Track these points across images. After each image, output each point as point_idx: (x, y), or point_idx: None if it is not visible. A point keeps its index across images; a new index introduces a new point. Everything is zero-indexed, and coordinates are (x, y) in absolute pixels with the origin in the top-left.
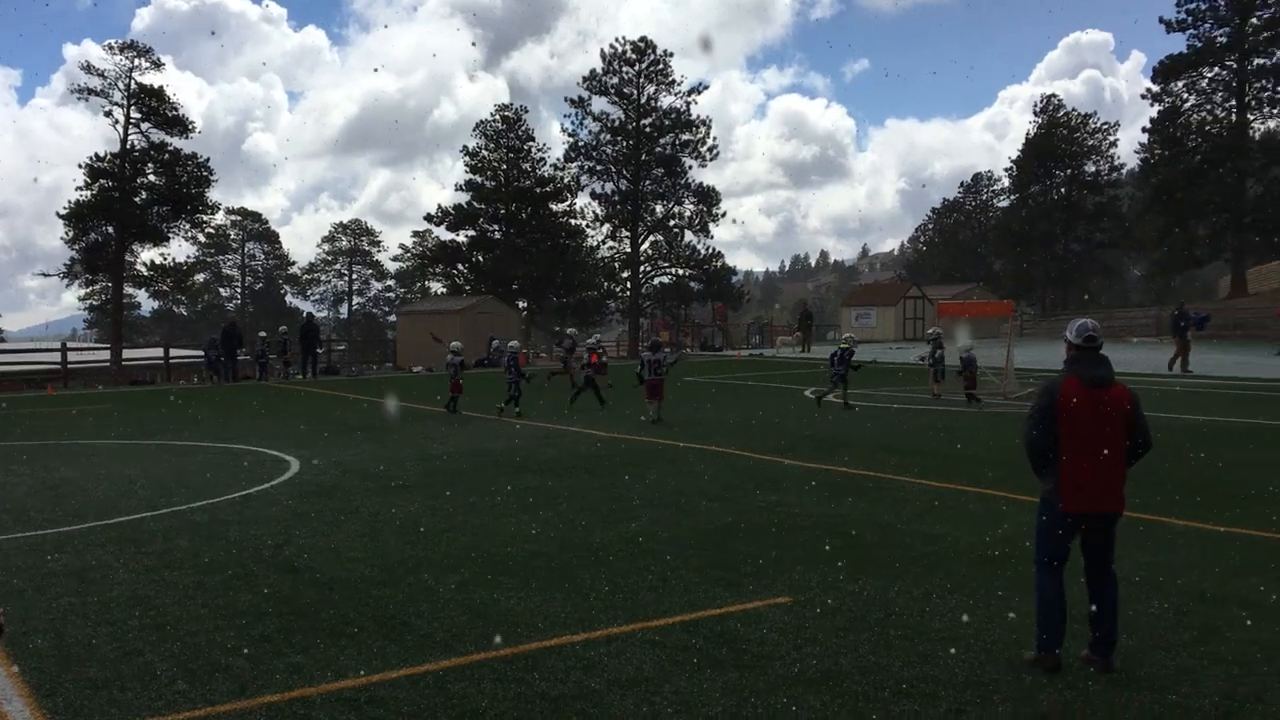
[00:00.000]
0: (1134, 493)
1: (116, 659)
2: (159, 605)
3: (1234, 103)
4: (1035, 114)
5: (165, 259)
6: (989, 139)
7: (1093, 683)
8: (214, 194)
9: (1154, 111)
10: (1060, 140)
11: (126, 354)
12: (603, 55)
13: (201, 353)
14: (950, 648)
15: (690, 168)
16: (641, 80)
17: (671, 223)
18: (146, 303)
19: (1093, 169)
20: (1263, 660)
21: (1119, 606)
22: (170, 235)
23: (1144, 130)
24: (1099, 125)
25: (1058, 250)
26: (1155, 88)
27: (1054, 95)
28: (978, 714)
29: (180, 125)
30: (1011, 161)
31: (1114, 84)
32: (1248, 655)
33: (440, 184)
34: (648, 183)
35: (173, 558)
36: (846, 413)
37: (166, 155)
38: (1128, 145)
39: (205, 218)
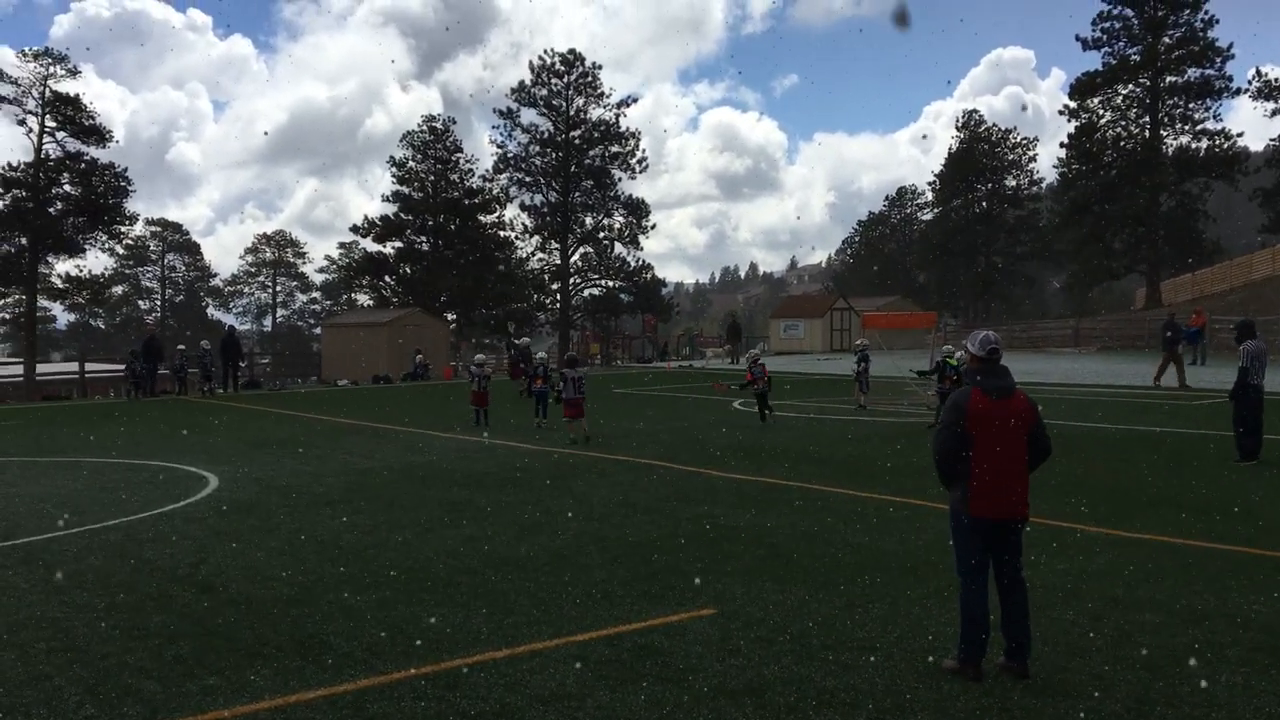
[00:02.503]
0: (1047, 500)
1: (21, 683)
2: (68, 627)
3: (1147, 119)
4: (957, 129)
5: (81, 271)
6: (915, 153)
7: (1010, 690)
8: (134, 204)
9: (1071, 127)
10: (981, 155)
11: (40, 368)
12: (531, 67)
13: (121, 366)
14: (872, 656)
15: (620, 180)
16: (570, 92)
17: (601, 235)
18: (62, 315)
19: (1013, 183)
20: (1174, 664)
21: (1030, 613)
22: (86, 246)
23: (1062, 145)
24: (1019, 140)
25: (979, 262)
26: (1072, 104)
27: (975, 110)
28: None
29: (97, 134)
30: (935, 176)
31: (1035, 100)
32: (1159, 660)
33: (369, 195)
34: (577, 194)
35: (84, 578)
36: (764, 424)
37: (83, 165)
38: (1048, 160)
39: (123, 229)
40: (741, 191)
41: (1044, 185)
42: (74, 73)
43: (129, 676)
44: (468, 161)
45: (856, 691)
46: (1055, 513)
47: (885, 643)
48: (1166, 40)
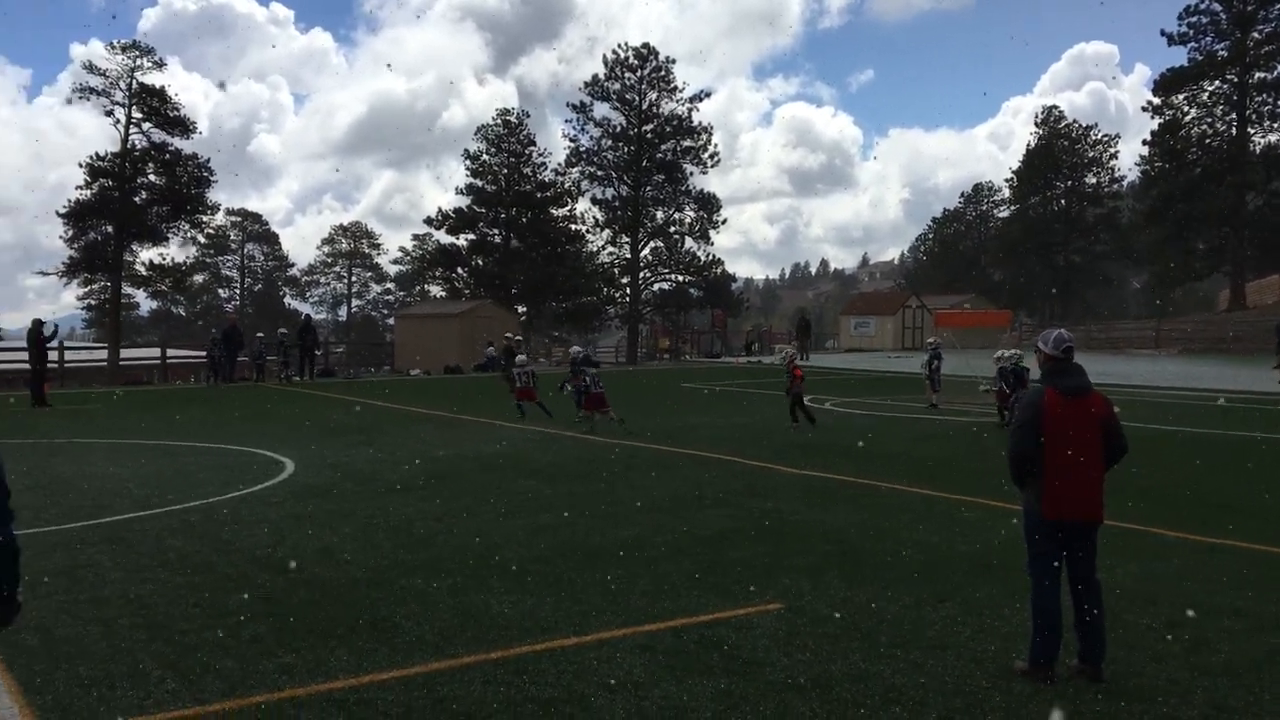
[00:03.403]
0: (1123, 502)
1: (106, 657)
2: (150, 604)
3: (1234, 116)
4: (1036, 125)
5: (164, 259)
6: (993, 149)
7: (1082, 694)
8: (216, 195)
9: (1155, 124)
10: (1060, 152)
11: (124, 354)
12: (605, 61)
13: (202, 353)
14: (940, 656)
15: (691, 174)
16: (643, 86)
17: (672, 229)
18: (145, 302)
19: (1093, 181)
20: (1252, 672)
21: (1105, 616)
22: (169, 235)
23: (1144, 143)
24: (1099, 137)
25: (1057, 261)
26: (1156, 100)
27: (1055, 106)
28: None
29: (181, 126)
30: (1012, 172)
31: (1118, 96)
32: (1238, 667)
33: (444, 187)
34: (648, 189)
35: (165, 557)
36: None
37: (167, 155)
38: (1130, 157)
39: (205, 218)
40: (814, 187)
41: (1125, 183)
42: (160, 65)
43: (209, 654)
44: (540, 155)
45: (925, 690)
46: (1131, 515)
47: (955, 642)
48: (1255, 35)
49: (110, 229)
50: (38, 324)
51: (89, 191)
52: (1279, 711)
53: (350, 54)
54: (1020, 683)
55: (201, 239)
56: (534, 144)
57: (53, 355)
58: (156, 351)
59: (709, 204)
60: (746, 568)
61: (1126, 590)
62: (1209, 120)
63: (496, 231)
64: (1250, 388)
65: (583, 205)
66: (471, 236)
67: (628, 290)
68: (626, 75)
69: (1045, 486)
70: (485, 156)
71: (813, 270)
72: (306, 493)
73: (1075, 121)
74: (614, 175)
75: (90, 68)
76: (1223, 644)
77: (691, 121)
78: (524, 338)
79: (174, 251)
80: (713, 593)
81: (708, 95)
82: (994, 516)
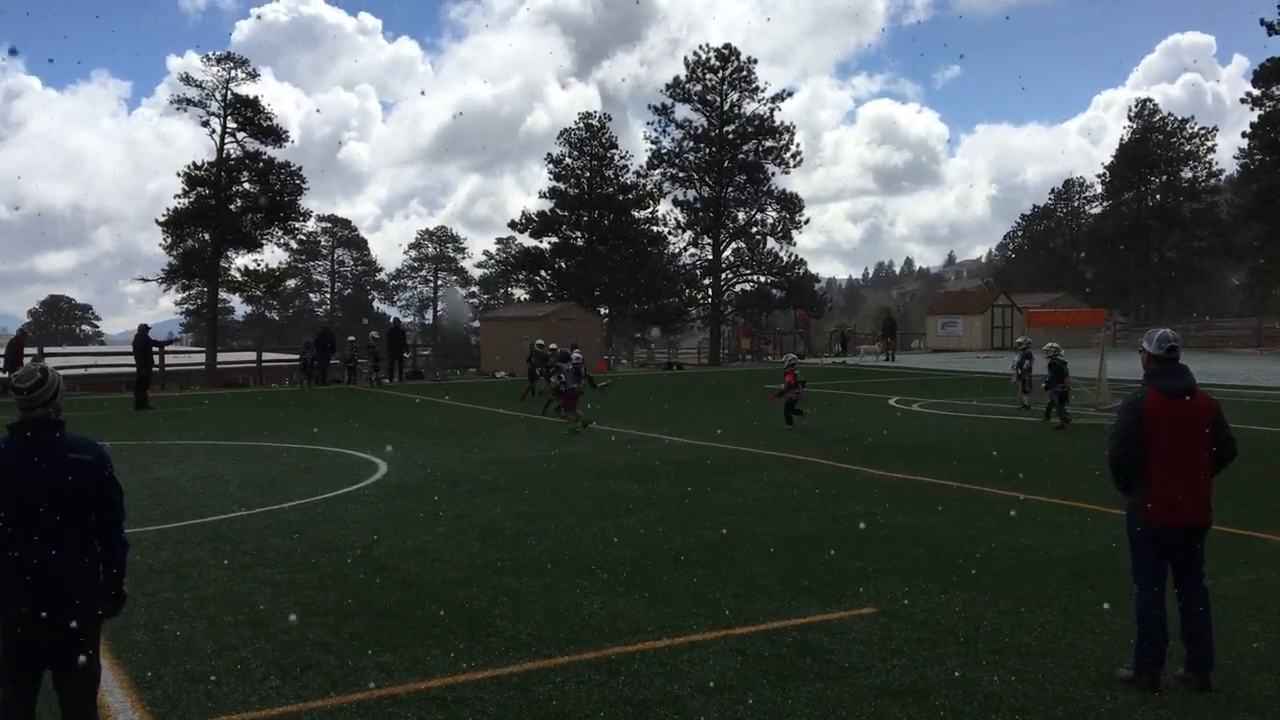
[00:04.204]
0: (1231, 506)
1: (212, 654)
2: (252, 602)
3: None
4: (1130, 119)
5: (258, 265)
6: (1084, 144)
7: (1189, 703)
8: (307, 201)
9: (1254, 116)
10: (1155, 146)
11: (220, 357)
12: (686, 63)
13: (296, 356)
14: (1041, 663)
15: (773, 174)
16: (725, 87)
17: (754, 230)
18: (239, 307)
19: (1190, 175)
20: None
21: (1214, 623)
22: (263, 242)
23: (1244, 135)
24: (1196, 130)
25: (1152, 258)
26: (1256, 92)
27: (1149, 100)
28: None
29: (274, 135)
30: (1105, 168)
31: (1215, 88)
32: None
33: (527, 191)
34: (730, 189)
35: (266, 556)
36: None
37: (261, 164)
38: (1228, 151)
39: (297, 225)
40: (899, 185)
41: (1224, 177)
42: (253, 75)
43: (310, 651)
44: (622, 158)
45: (1026, 698)
46: (1240, 520)
47: (1056, 649)
48: None
49: (207, 236)
50: (144, 330)
51: (186, 200)
52: None
53: (436, 61)
54: (1125, 691)
55: (294, 245)
56: (615, 147)
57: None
58: (252, 355)
59: (791, 204)
60: (837, 571)
61: (1234, 597)
62: None
63: (579, 234)
64: None
65: (664, 207)
66: (554, 239)
67: (709, 291)
68: (707, 76)
69: (1150, 490)
70: (568, 160)
71: (897, 269)
72: (399, 493)
73: (1170, 114)
74: (695, 176)
75: (187, 79)
76: None
77: (773, 121)
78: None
79: (267, 257)
80: (803, 596)
81: (790, 95)
82: (1092, 520)
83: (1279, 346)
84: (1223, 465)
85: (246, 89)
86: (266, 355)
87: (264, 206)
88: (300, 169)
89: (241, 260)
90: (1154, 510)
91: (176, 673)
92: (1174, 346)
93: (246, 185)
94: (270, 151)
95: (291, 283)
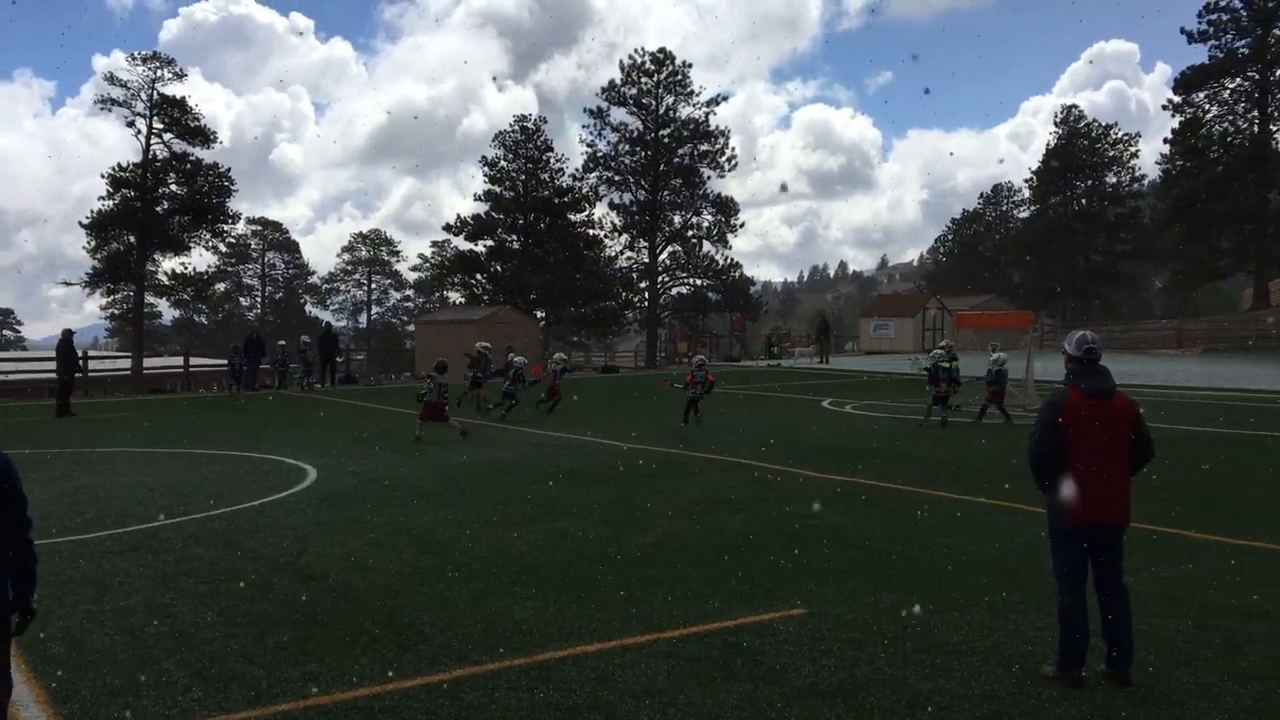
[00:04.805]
0: (1151, 504)
1: (133, 666)
2: (175, 613)
3: (1256, 114)
4: (1056, 125)
5: (186, 268)
6: (1013, 150)
7: (1111, 699)
8: (238, 204)
9: (1175, 123)
10: (1081, 151)
11: (147, 362)
12: (621, 66)
13: (224, 361)
14: (967, 661)
15: (709, 178)
16: (660, 91)
17: (690, 233)
18: (167, 311)
19: (1114, 180)
20: None
21: (1133, 620)
22: (191, 245)
23: (1165, 141)
24: (1119, 136)
25: (1078, 261)
26: (1177, 99)
27: (1074, 106)
28: None
29: (202, 135)
30: (1032, 173)
31: (1139, 95)
32: (1269, 671)
33: (463, 194)
34: (666, 193)
35: (190, 565)
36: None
37: (188, 165)
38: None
39: (226, 227)
40: (833, 189)
41: (1146, 182)
42: (181, 76)
43: (234, 662)
44: (558, 160)
45: (952, 696)
46: (1160, 517)
47: (983, 647)
48: (1277, 32)
49: (133, 239)
50: (68, 335)
51: (111, 202)
52: None
53: (370, 62)
54: (1048, 688)
55: (223, 248)
56: (551, 150)
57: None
58: (179, 360)
59: (726, 207)
60: (769, 573)
61: (1154, 594)
62: (1230, 118)
63: (515, 237)
64: (1275, 387)
65: (600, 210)
66: (490, 242)
67: (646, 295)
68: (643, 80)
69: (1069, 490)
70: (503, 163)
71: (831, 273)
72: (329, 500)
73: (1095, 121)
74: (631, 180)
75: (111, 79)
76: (1252, 648)
77: (709, 125)
78: (545, 340)
79: (195, 260)
80: (736, 598)
81: (725, 99)
82: (1018, 519)
83: (1199, 347)
84: (1141, 465)
85: (173, 89)
86: (195, 360)
87: (191, 208)
88: (229, 170)
89: (169, 264)
90: (1073, 509)
91: (94, 685)
92: (1093, 348)
93: (173, 187)
94: (198, 153)
95: (221, 286)
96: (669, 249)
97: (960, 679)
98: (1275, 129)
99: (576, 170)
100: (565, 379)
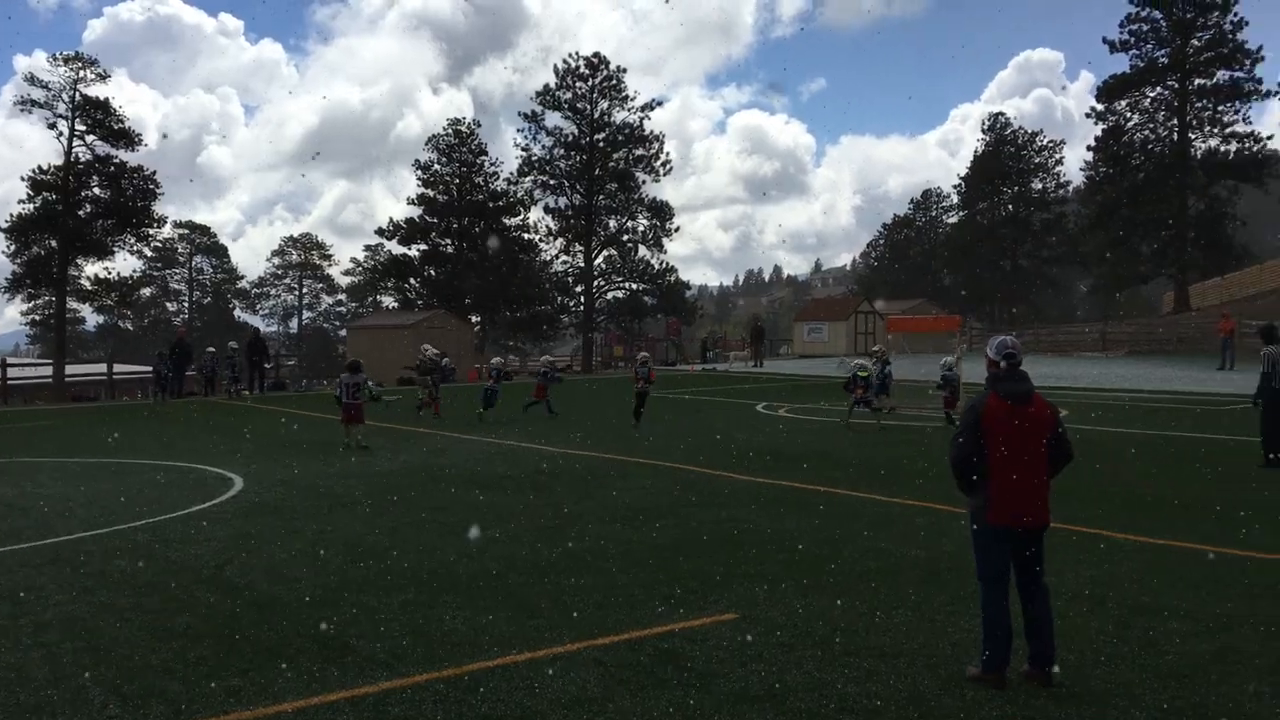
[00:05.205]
0: (1071, 506)
1: (47, 682)
2: (94, 627)
3: (1175, 122)
4: (984, 132)
5: (110, 273)
6: (943, 156)
7: (1033, 698)
8: (165, 207)
9: (1099, 130)
10: (1008, 158)
11: (69, 370)
12: (556, 71)
13: (149, 368)
14: (894, 664)
15: (644, 182)
16: (595, 95)
17: (625, 237)
18: (91, 317)
19: (1040, 186)
20: (1201, 674)
21: (1054, 619)
22: (115, 249)
23: (1089, 149)
24: (1045, 143)
25: (1005, 266)
26: (1100, 107)
27: (1001, 113)
28: None
29: (126, 138)
30: (960, 179)
31: (1064, 102)
32: (1186, 669)
33: (397, 198)
34: (601, 197)
35: (110, 579)
36: (795, 428)
37: (112, 168)
38: (1076, 163)
39: (151, 231)
40: (768, 194)
41: (1071, 188)
42: (104, 77)
43: (153, 677)
44: (493, 164)
45: (878, 698)
46: (1080, 519)
47: (908, 649)
48: (1195, 42)
49: (54, 243)
50: None
51: (32, 205)
52: (1227, 713)
53: (302, 64)
54: (972, 688)
55: (148, 252)
56: (485, 153)
57: None
58: (103, 367)
59: (662, 212)
60: (700, 578)
61: (1076, 594)
62: (1151, 126)
63: (449, 241)
64: (1194, 389)
65: (535, 214)
66: (424, 247)
67: (582, 299)
68: (578, 85)
69: (990, 492)
70: (436, 166)
71: (766, 277)
72: (255, 510)
73: (1022, 128)
74: (566, 184)
75: (33, 80)
76: (1172, 646)
77: (643, 130)
78: (481, 346)
79: (120, 265)
80: (666, 603)
81: (660, 104)
82: (945, 521)
83: (1122, 350)
84: (1060, 468)
85: (97, 90)
86: (119, 367)
87: (115, 212)
88: (155, 173)
89: (92, 268)
90: (994, 511)
91: (7, 703)
92: (1012, 353)
93: (96, 190)
94: (123, 155)
95: (146, 291)
96: (604, 253)
97: (886, 681)
98: (1194, 136)
99: (511, 174)
100: (505, 385)
